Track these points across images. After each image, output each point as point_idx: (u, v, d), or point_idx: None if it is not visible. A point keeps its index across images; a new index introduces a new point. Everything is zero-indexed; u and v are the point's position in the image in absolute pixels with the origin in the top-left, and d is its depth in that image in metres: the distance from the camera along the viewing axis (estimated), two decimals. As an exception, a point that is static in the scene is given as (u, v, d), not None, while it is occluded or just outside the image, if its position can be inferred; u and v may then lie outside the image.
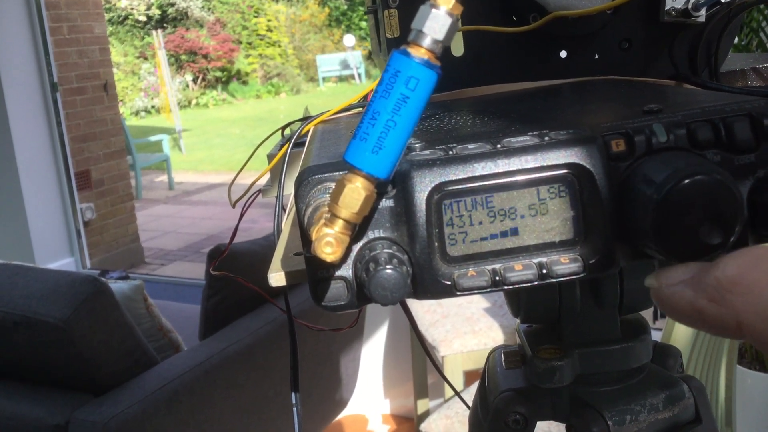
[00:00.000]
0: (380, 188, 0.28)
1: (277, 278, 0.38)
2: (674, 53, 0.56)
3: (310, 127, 0.50)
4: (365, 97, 0.53)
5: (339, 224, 0.26)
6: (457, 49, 0.56)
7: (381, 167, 0.26)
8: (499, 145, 0.31)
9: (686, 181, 0.28)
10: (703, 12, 0.54)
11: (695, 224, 0.28)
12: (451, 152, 0.31)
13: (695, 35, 0.56)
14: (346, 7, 14.54)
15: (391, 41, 0.57)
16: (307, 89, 14.29)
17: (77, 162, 4.49)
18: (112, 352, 1.63)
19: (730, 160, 0.31)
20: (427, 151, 0.31)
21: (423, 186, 0.30)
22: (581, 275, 0.31)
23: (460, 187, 0.30)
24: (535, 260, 0.31)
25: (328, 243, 0.25)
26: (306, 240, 0.30)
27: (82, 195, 4.52)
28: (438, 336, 2.17)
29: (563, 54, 0.58)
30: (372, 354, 2.79)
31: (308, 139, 0.49)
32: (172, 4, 13.42)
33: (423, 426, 1.95)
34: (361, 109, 0.54)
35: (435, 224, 0.31)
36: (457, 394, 0.73)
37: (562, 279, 0.31)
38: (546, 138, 0.31)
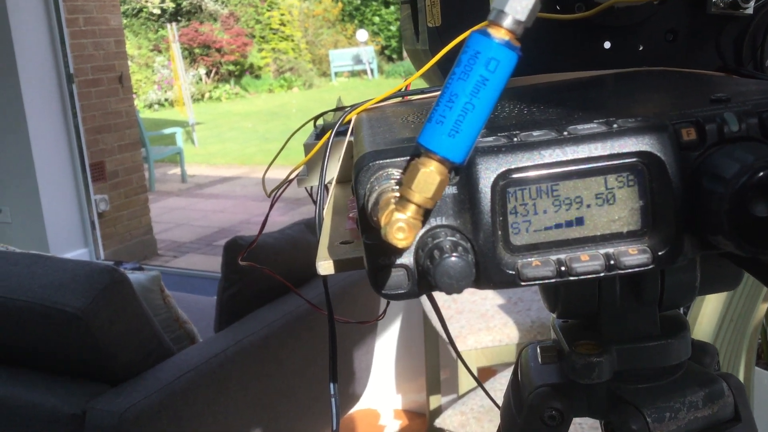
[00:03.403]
0: (451, 172, 0.27)
1: (325, 266, 0.38)
2: (721, 46, 0.55)
3: (353, 115, 0.50)
4: (406, 87, 0.52)
5: (411, 209, 0.25)
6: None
7: (457, 151, 0.25)
8: (565, 132, 0.30)
9: (761, 174, 0.27)
10: (751, 4, 0.53)
11: (770, 216, 0.27)
12: (515, 139, 0.30)
13: (742, 27, 0.55)
14: (359, 2, 14.51)
15: (432, 30, 0.56)
16: (319, 84, 14.28)
17: (92, 153, 4.51)
18: (129, 342, 1.64)
19: (804, 151, 0.30)
20: (491, 138, 0.30)
21: (488, 173, 0.29)
22: (650, 267, 0.30)
23: (526, 174, 0.30)
24: (602, 251, 0.30)
25: (401, 228, 0.25)
26: (367, 227, 0.29)
27: (96, 186, 4.53)
28: (452, 331, 2.16)
29: (607, 45, 0.57)
30: (385, 348, 2.78)
31: (352, 128, 0.48)
32: (186, -3, 13.45)
33: (438, 422, 1.94)
34: (400, 99, 0.53)
35: (499, 212, 0.30)
36: (482, 387, 0.73)
37: (630, 271, 0.30)
38: (615, 126, 0.30)
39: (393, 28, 14.37)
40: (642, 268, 0.30)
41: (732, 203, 0.27)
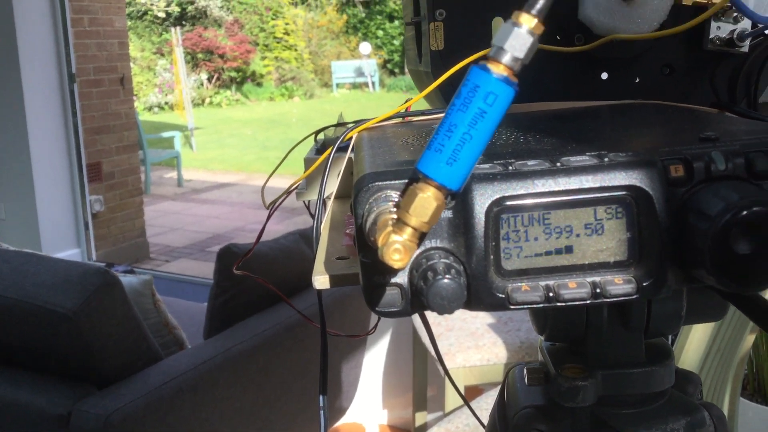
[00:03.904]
0: (447, 198, 0.28)
1: (321, 281, 0.39)
2: (715, 82, 0.57)
3: (354, 133, 0.51)
4: (407, 109, 0.54)
5: (408, 232, 0.26)
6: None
7: (454, 179, 0.26)
8: (558, 163, 0.31)
9: (744, 212, 0.28)
10: (747, 42, 0.54)
11: (752, 256, 0.28)
12: (510, 167, 0.31)
13: (737, 65, 0.57)
14: (363, 15, 14.60)
15: (435, 53, 0.57)
16: (320, 94, 14.34)
17: (89, 154, 4.51)
18: (118, 345, 1.64)
19: (787, 192, 0.31)
20: (487, 165, 0.32)
21: (483, 199, 0.30)
22: (634, 297, 0.31)
23: (519, 202, 0.31)
24: (589, 279, 0.31)
25: (397, 250, 0.26)
26: (364, 246, 0.30)
27: (92, 187, 4.53)
28: (441, 348, 2.17)
29: (604, 76, 0.58)
30: (373, 363, 2.78)
31: (353, 146, 0.50)
32: (192, 2, 13.50)
33: (423, 438, 1.94)
34: (401, 119, 0.54)
35: (492, 237, 0.31)
36: (469, 406, 0.74)
37: (615, 299, 0.31)
38: (606, 159, 0.31)
39: (396, 42, 14.45)
40: (626, 298, 0.31)
41: (715, 240, 0.28)
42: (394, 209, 0.29)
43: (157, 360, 1.74)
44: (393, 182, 0.31)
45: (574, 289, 0.31)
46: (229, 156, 9.30)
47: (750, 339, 1.60)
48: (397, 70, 14.62)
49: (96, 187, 4.63)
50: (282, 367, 1.96)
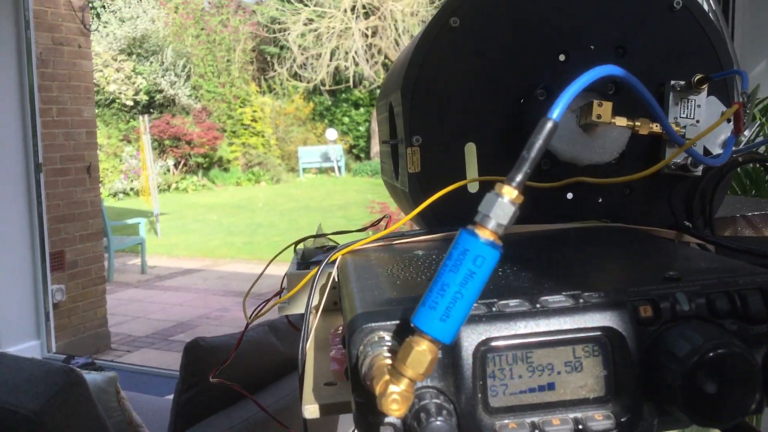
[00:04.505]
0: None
1: (311, 410, 0.40)
2: (673, 201, 0.61)
3: (338, 256, 0.53)
4: (386, 225, 0.57)
5: (404, 382, 0.28)
6: (473, 186, 0.60)
7: (447, 333, 0.28)
8: (537, 305, 0.34)
9: (710, 354, 0.31)
10: (700, 167, 0.59)
11: (719, 393, 0.31)
12: (494, 309, 0.34)
13: (692, 186, 0.61)
14: (330, 102, 14.96)
15: (412, 176, 0.61)
16: (287, 179, 14.48)
17: (53, 242, 4.46)
18: (81, 448, 1.58)
19: (746, 330, 0.34)
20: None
21: (470, 340, 0.33)
22: None
23: (504, 343, 0.33)
24: (571, 415, 0.33)
25: (395, 400, 0.28)
26: (359, 386, 0.32)
27: (54, 276, 4.45)
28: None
29: (569, 196, 0.62)
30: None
31: (338, 271, 0.52)
32: (161, 91, 13.70)
33: None
34: (383, 242, 0.57)
35: (479, 376, 0.33)
36: None
37: (595, 435, 0.33)
38: (581, 300, 0.34)
39: (362, 128, 14.77)
40: (606, 433, 0.33)
41: (684, 380, 0.31)
42: (389, 354, 0.31)
43: (121, 462, 1.69)
44: (385, 323, 0.34)
45: (558, 426, 0.33)
46: (194, 241, 9.25)
47: None
48: (362, 155, 14.89)
49: (58, 276, 4.55)
50: (251, 466, 1.91)
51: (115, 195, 12.51)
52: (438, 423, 0.30)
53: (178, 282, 7.39)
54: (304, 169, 14.67)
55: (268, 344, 2.10)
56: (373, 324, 0.34)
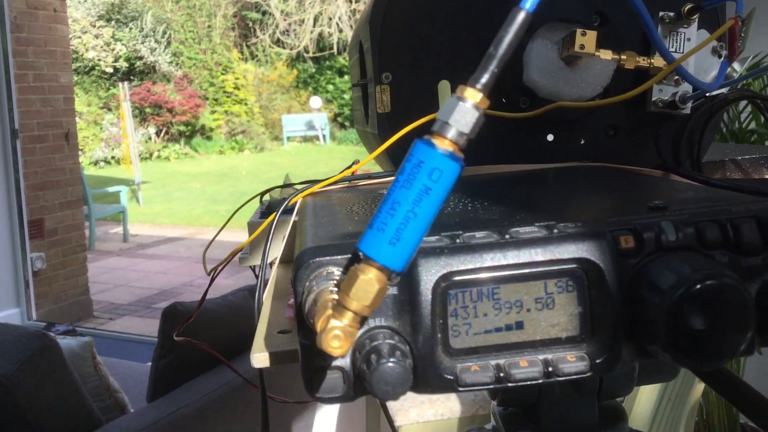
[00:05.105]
0: (391, 279, 0.27)
1: (260, 359, 0.36)
2: (659, 143, 0.57)
3: (298, 198, 0.49)
4: (353, 173, 0.52)
5: (348, 316, 0.24)
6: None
7: (398, 260, 0.25)
8: (507, 236, 0.30)
9: (698, 286, 0.27)
10: (689, 105, 0.55)
11: (707, 330, 0.27)
12: (458, 240, 0.30)
13: (680, 126, 0.58)
14: (314, 70, 14.77)
15: (381, 116, 0.56)
16: (271, 147, 14.33)
17: (32, 210, 4.38)
18: (55, 413, 1.55)
19: (738, 262, 0.30)
20: (434, 238, 0.30)
21: (430, 275, 0.29)
22: (587, 374, 0.30)
23: (468, 277, 0.29)
24: (541, 357, 0.30)
25: (336, 336, 0.24)
26: (303, 326, 0.29)
27: (33, 244, 4.39)
28: (395, 404, 2.12)
29: (550, 137, 0.58)
30: (324, 423, 2.71)
31: (297, 212, 0.48)
32: (140, 58, 13.44)
33: (377, 501, 1.88)
34: (348, 183, 0.53)
35: (439, 315, 0.29)
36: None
37: (567, 378, 0.29)
38: (555, 230, 0.30)
39: (346, 96, 14.62)
40: (579, 376, 0.30)
41: (669, 315, 0.27)
42: (335, 289, 0.27)
43: (97, 426, 1.66)
44: (335, 257, 0.30)
45: (526, 368, 0.29)
46: (177, 210, 9.16)
47: (700, 387, 1.61)
48: (347, 123, 14.76)
49: (38, 244, 4.48)
50: (230, 430, 1.89)
51: (96, 163, 12.34)
52: (390, 365, 0.27)
53: (161, 250, 7.32)
54: (288, 138, 14.52)
55: (249, 309, 2.07)
56: (321, 258, 0.30)
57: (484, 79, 0.24)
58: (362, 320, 0.25)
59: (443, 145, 0.24)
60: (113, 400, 1.97)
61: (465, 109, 0.24)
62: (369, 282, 0.24)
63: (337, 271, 0.29)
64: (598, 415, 0.51)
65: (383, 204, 0.24)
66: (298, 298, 0.29)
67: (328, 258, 0.30)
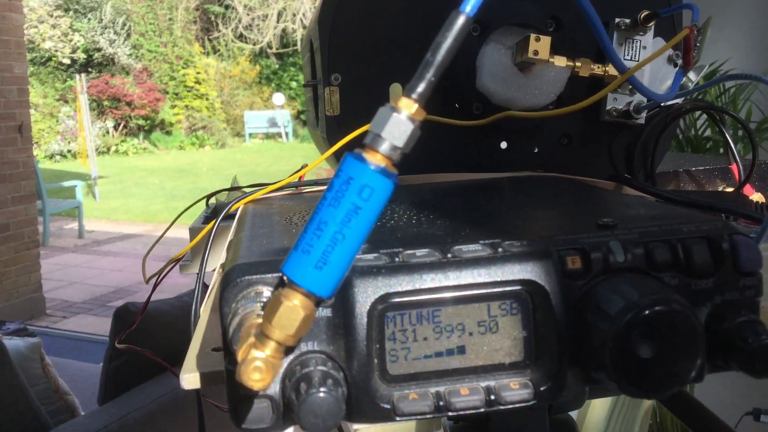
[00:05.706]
0: (318, 306, 0.25)
1: (190, 380, 0.34)
2: (613, 152, 0.56)
3: (239, 205, 0.47)
4: (300, 178, 0.50)
5: (270, 346, 0.22)
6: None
7: (324, 285, 0.23)
8: (449, 254, 0.28)
9: (646, 312, 0.26)
10: (643, 114, 0.54)
11: (655, 358, 0.26)
12: (397, 259, 0.28)
13: (634, 136, 0.57)
14: (277, 66, 14.64)
15: (330, 119, 0.54)
16: (232, 144, 14.16)
17: (-19, 204, 4.25)
18: (0, 417, 1.50)
19: (688, 284, 0.29)
20: (371, 256, 0.28)
21: (365, 296, 0.27)
22: (531, 403, 0.28)
23: (407, 299, 0.28)
24: (483, 383, 0.28)
25: (257, 368, 0.22)
26: (229, 352, 0.26)
27: (-17, 240, 4.26)
28: (352, 409, 2.10)
29: (503, 145, 0.57)
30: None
31: (237, 219, 0.46)
32: (99, 50, 13.15)
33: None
34: (295, 189, 0.51)
35: (376, 339, 0.27)
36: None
37: (510, 407, 0.28)
38: (499, 249, 0.29)
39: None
40: (522, 404, 0.28)
41: (615, 342, 0.26)
42: (262, 312, 0.25)
43: (45, 430, 1.61)
44: (265, 276, 0.28)
45: (467, 396, 0.28)
46: (135, 206, 8.99)
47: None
48: (310, 121, 14.63)
49: (-12, 240, 4.35)
50: (182, 434, 1.85)
51: (51, 157, 12.04)
52: (320, 395, 0.25)
53: (117, 247, 7.17)
54: (250, 134, 14.37)
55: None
56: (250, 276, 0.27)
57: (420, 88, 0.22)
58: (287, 350, 0.23)
59: (375, 159, 0.22)
60: (62, 402, 1.91)
61: (399, 121, 0.22)
62: (293, 309, 0.22)
63: (267, 291, 0.27)
64: (549, 429, 0.50)
65: (310, 223, 0.22)
66: (224, 320, 0.27)
67: (257, 276, 0.27)
